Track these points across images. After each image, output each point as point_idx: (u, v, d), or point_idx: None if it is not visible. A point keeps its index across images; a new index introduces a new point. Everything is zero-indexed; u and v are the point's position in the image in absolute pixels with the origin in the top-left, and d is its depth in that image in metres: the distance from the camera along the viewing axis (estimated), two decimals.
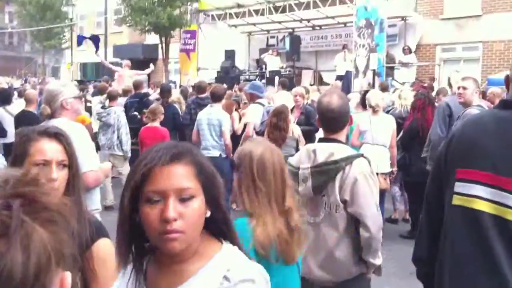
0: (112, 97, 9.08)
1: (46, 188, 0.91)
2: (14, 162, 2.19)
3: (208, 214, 1.39)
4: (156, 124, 7.71)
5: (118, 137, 8.58)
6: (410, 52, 16.36)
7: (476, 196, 2.11)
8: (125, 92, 10.83)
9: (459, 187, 2.18)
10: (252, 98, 8.11)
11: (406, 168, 7.01)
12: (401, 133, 7.22)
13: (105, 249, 2.07)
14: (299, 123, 7.74)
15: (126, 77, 14.27)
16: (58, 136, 2.17)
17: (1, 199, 0.84)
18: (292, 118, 7.81)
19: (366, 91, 7.98)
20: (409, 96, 8.14)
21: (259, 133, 7.51)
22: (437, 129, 6.20)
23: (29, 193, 0.87)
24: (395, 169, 6.99)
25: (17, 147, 2.22)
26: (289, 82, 12.89)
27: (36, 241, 0.83)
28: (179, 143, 1.46)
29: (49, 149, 2.14)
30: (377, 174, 6.28)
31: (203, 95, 9.09)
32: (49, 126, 2.30)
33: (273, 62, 17.89)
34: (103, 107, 8.90)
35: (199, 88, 9.46)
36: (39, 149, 2.13)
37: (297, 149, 6.94)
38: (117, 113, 8.64)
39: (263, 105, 7.87)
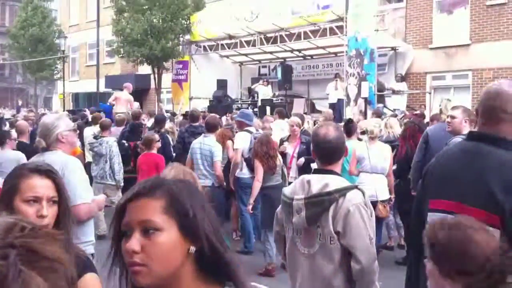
0: (104, 127, 9.08)
1: (46, 237, 0.92)
2: (2, 197, 2.19)
3: (192, 249, 1.32)
4: (153, 151, 7.84)
5: (110, 166, 8.57)
6: (403, 80, 16.57)
7: None
8: (119, 122, 10.85)
9: (430, 217, 2.35)
10: (241, 125, 8.20)
11: (401, 195, 7.03)
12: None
13: (90, 284, 2.06)
14: (301, 153, 7.79)
15: (122, 100, 14.21)
16: (49, 173, 2.20)
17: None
18: (291, 147, 7.86)
19: (349, 120, 8.02)
20: (395, 124, 8.25)
21: (248, 160, 7.59)
22: (415, 155, 6.56)
23: (27, 243, 0.89)
24: (393, 196, 7.03)
25: (7, 182, 2.23)
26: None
27: None
28: (160, 177, 1.44)
29: (41, 186, 2.16)
30: (377, 202, 6.38)
31: (196, 124, 9.14)
32: (41, 163, 2.32)
33: (264, 91, 18.04)
34: (95, 137, 8.90)
35: (192, 116, 9.50)
36: (31, 186, 2.15)
37: (282, 176, 7.13)
38: (109, 143, 8.64)
39: (251, 133, 7.95)
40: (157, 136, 8.11)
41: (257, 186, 6.95)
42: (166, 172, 2.78)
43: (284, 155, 7.81)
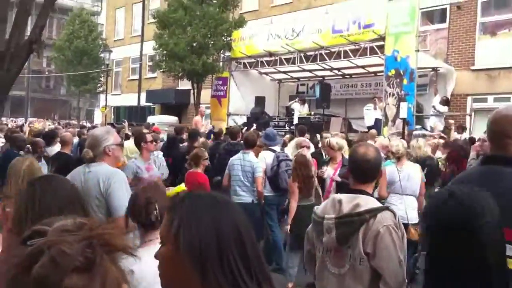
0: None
1: (116, 232, 1.05)
2: None
3: (188, 261, 1.37)
4: (199, 169, 7.57)
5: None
6: (446, 103, 16.15)
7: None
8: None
9: None
10: (265, 145, 8.59)
11: None
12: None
13: None
14: (341, 176, 7.28)
15: (199, 123, 16.34)
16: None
17: (82, 240, 0.98)
18: (331, 169, 7.46)
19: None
20: (423, 146, 8.14)
21: (270, 178, 7.77)
22: None
23: (102, 235, 1.02)
24: None
25: None
26: (318, 129, 13.04)
27: (111, 278, 0.99)
28: (189, 193, 1.58)
29: None
30: (408, 225, 6.26)
31: (234, 141, 9.26)
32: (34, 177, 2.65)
33: (300, 109, 18.03)
34: None
35: (231, 133, 9.66)
36: None
37: (316, 196, 6.97)
38: (160, 157, 8.77)
39: (275, 151, 8.18)
40: (206, 154, 7.82)
41: (294, 207, 6.72)
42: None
43: (322, 178, 7.45)
